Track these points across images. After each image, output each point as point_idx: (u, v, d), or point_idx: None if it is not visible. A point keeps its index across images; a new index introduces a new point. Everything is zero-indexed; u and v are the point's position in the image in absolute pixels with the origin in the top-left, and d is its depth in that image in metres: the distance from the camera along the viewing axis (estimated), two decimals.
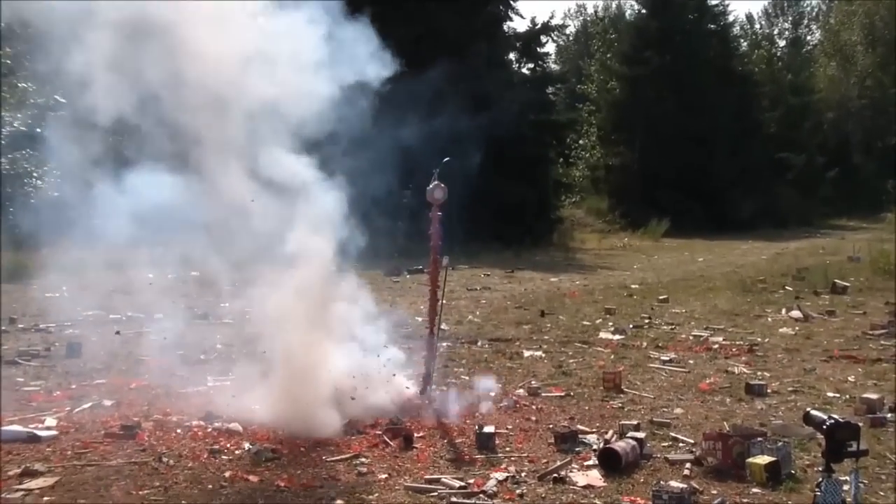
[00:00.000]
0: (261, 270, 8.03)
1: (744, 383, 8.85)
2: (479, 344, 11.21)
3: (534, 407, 8.11)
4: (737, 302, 15.60)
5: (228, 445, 6.74)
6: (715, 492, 5.80)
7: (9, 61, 17.15)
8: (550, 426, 7.39)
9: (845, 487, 3.52)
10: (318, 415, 7.18)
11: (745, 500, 5.66)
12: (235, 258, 7.93)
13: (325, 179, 7.63)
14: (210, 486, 5.87)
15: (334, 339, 7.88)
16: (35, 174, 17.41)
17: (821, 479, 3.46)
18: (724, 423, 7.43)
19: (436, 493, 5.75)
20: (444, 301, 8.21)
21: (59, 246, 8.11)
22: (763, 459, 6.01)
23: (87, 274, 10.45)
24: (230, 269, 8.28)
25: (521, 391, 8.64)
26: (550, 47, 74.67)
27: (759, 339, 11.69)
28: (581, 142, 42.83)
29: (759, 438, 6.34)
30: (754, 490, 5.82)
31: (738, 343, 11.42)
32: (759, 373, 9.58)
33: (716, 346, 11.23)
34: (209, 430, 7.17)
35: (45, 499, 5.59)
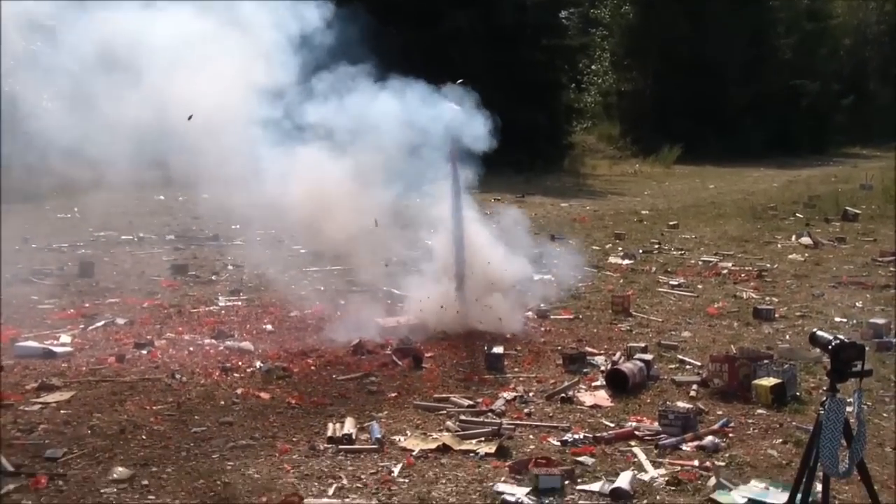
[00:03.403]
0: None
1: (752, 308, 8.85)
2: (489, 264, 11.19)
3: (542, 329, 8.14)
4: (747, 228, 15.52)
5: (240, 363, 6.82)
6: (720, 412, 5.84)
7: None
8: (559, 348, 7.43)
9: (849, 409, 3.51)
10: None
11: (749, 421, 5.69)
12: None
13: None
14: (222, 403, 5.95)
15: None
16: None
17: (825, 399, 3.45)
18: (731, 346, 7.45)
19: (444, 412, 5.80)
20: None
21: (66, 169, 8.09)
22: (769, 381, 6.03)
23: (98, 195, 10.47)
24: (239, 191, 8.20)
25: (529, 314, 8.66)
26: None
27: (768, 265, 11.65)
28: (593, 67, 42.06)
29: (766, 361, 6.36)
30: (759, 411, 5.85)
31: (747, 269, 11.40)
32: (767, 298, 9.56)
33: (725, 271, 11.22)
34: (221, 348, 7.26)
35: (63, 412, 5.67)
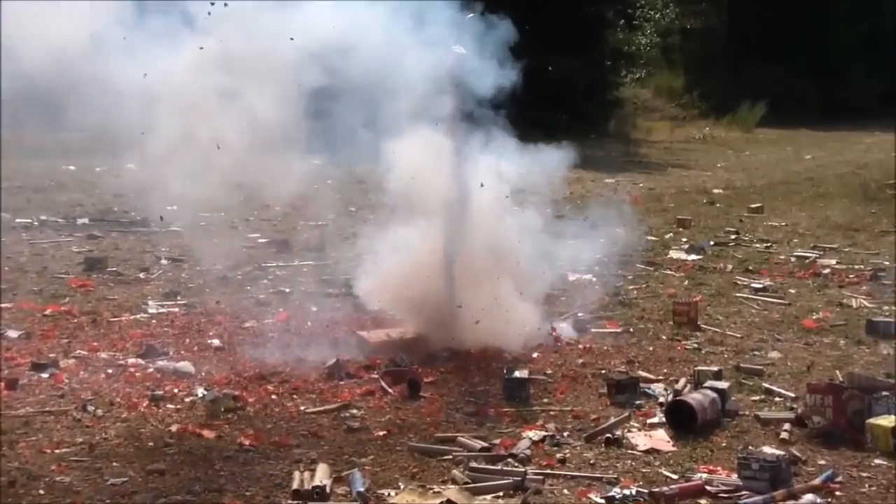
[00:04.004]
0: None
1: (864, 320, 8.81)
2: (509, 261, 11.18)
3: (581, 346, 8.12)
4: (856, 213, 15.49)
5: (176, 391, 6.79)
6: (823, 461, 5.77)
7: None
8: (602, 371, 7.38)
9: None
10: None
11: (863, 474, 5.62)
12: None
13: None
14: (151, 444, 5.90)
15: None
16: None
17: None
18: (837, 371, 7.39)
19: (450, 457, 5.77)
20: None
21: None
22: (889, 421, 5.96)
23: None
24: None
25: (564, 325, 8.63)
26: None
27: (885, 263, 11.60)
28: None
29: (885, 393, 6.29)
30: (876, 461, 5.78)
31: (856, 267, 11.38)
32: (884, 307, 9.52)
33: (826, 270, 11.19)
34: (150, 370, 7.23)
35: None
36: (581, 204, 16.19)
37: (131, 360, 7.43)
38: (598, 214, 14.79)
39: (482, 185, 7.94)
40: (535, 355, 7.76)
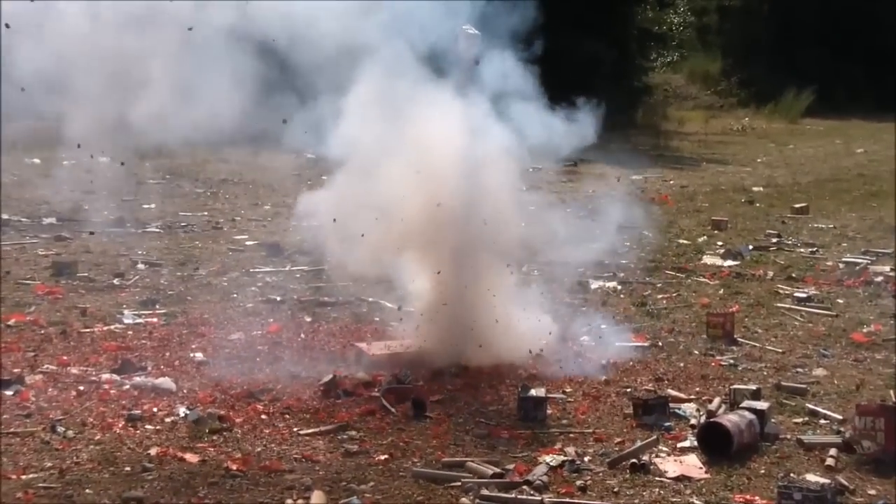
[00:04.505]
0: None
1: None
2: (526, 269, 11.20)
3: (604, 362, 8.14)
4: None
5: (155, 410, 6.82)
6: (873, 491, 5.82)
7: None
8: (628, 389, 7.43)
9: None
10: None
11: None
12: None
13: None
14: (128, 469, 5.94)
15: None
16: None
17: None
18: (890, 392, 7.42)
19: (459, 483, 5.81)
20: None
21: None
22: None
23: None
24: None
25: (585, 338, 8.68)
26: None
27: None
28: None
29: None
30: None
31: None
32: None
33: (879, 279, 11.19)
34: (126, 387, 7.25)
35: None
36: (605, 203, 16.20)
37: (105, 376, 7.45)
38: (624, 215, 14.87)
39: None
40: (552, 371, 7.79)
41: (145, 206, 14.67)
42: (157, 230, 13.12)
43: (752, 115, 33.29)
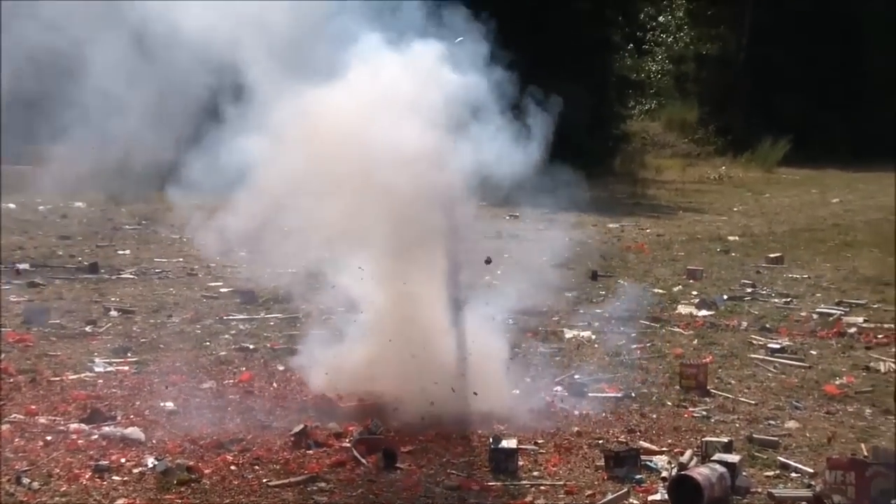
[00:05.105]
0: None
1: (893, 386, 8.85)
2: (499, 318, 11.21)
3: (576, 412, 8.14)
4: (887, 265, 15.49)
5: (123, 460, 6.79)
6: None
7: None
8: (600, 441, 7.42)
9: None
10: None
11: None
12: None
13: None
14: None
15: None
16: None
17: None
18: (861, 445, 7.43)
19: None
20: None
21: None
22: None
23: None
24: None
25: (558, 389, 8.69)
26: None
27: None
28: (661, 19, 42.44)
29: None
30: None
31: (886, 326, 11.40)
32: None
33: (852, 329, 11.23)
34: (94, 437, 7.21)
35: None
36: (580, 252, 16.27)
37: (73, 426, 7.39)
38: (599, 264, 14.95)
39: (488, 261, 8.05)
40: (524, 422, 7.76)
41: (120, 252, 14.66)
42: (132, 276, 13.10)
43: (728, 163, 33.55)
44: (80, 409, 7.77)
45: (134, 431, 7.29)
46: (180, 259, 14.36)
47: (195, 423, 7.57)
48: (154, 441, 7.19)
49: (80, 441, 7.14)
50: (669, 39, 42.50)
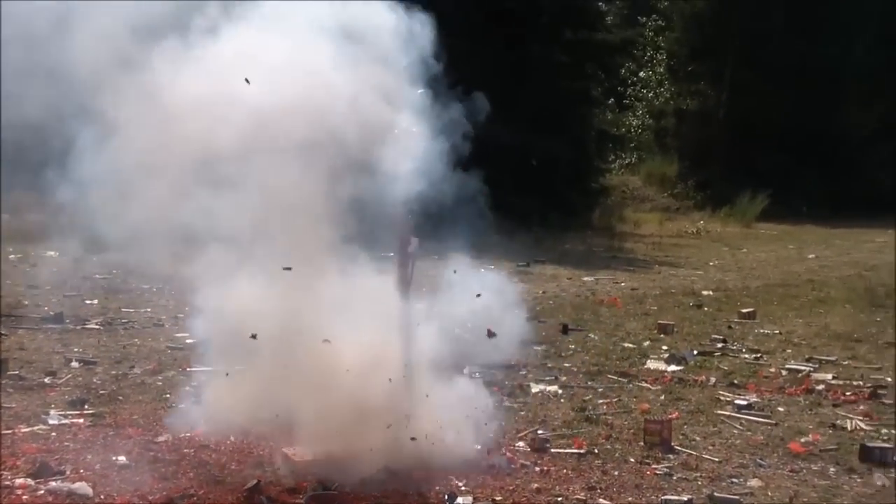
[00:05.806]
0: None
1: (858, 445, 8.81)
2: (466, 371, 11.16)
3: (538, 469, 8.06)
4: (859, 322, 15.59)
5: None
6: None
7: None
8: (559, 499, 7.34)
9: None
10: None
11: None
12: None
13: None
14: None
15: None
16: None
17: None
18: None
19: None
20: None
21: None
22: None
23: None
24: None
25: (521, 444, 8.61)
26: None
27: (886, 379, 11.66)
28: (642, 74, 42.80)
29: None
30: None
31: (854, 384, 11.39)
32: (882, 430, 9.55)
33: (821, 386, 11.21)
34: (40, 492, 7.09)
35: None
36: (553, 305, 16.27)
37: (19, 481, 7.26)
38: (571, 317, 14.92)
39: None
40: (484, 478, 7.67)
41: (87, 302, 14.57)
42: (97, 326, 12.98)
43: (707, 217, 33.74)
44: (30, 464, 7.64)
45: (81, 486, 7.17)
46: (148, 309, 14.28)
47: (146, 478, 7.45)
48: (102, 496, 7.07)
49: (24, 497, 7.02)
50: (650, 94, 42.85)
